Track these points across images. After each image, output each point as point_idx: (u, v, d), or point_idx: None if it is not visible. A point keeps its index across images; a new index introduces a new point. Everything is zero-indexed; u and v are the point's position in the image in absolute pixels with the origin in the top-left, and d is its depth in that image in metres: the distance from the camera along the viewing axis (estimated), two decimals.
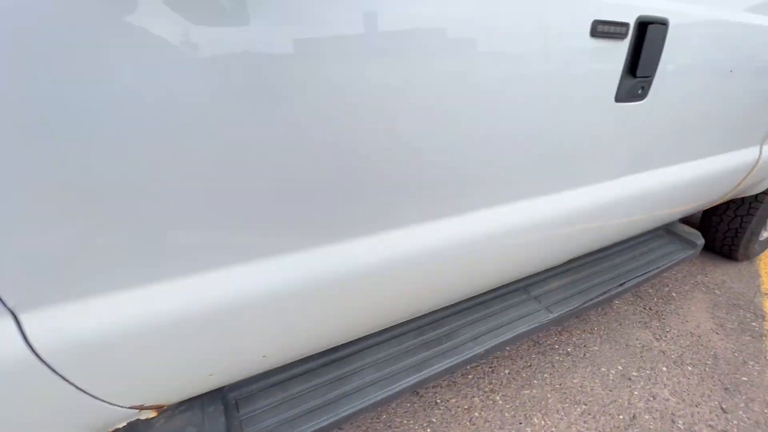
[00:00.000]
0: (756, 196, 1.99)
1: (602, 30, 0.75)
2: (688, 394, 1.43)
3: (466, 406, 1.34)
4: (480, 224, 0.82)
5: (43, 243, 0.46)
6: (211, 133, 0.50)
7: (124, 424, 0.70)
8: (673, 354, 1.60)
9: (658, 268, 1.42)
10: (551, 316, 1.14)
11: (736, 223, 2.10)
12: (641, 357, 1.59)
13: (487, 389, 1.41)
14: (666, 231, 1.65)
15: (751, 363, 1.57)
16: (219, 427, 0.74)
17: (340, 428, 1.23)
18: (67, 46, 0.40)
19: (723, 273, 2.21)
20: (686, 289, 2.04)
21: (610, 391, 1.43)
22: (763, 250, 2.32)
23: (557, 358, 1.57)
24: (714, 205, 1.76)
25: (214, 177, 0.53)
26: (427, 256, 0.77)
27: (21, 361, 0.49)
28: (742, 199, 2.02)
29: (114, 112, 0.44)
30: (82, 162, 0.45)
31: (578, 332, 1.71)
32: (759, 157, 1.50)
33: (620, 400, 1.39)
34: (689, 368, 1.54)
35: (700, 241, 1.56)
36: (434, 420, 1.29)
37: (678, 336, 1.70)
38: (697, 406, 1.39)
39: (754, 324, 1.80)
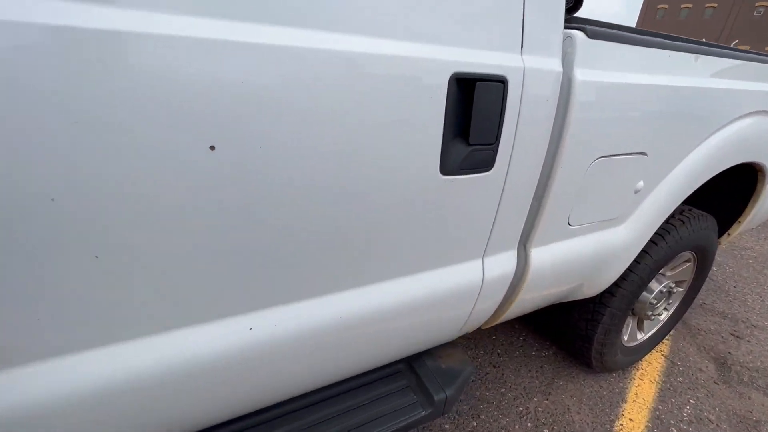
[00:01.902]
0: (600, 297, 1.45)
1: None
2: None
3: None
4: None
5: None
6: None
7: None
8: None
9: None
10: None
11: (581, 329, 1.55)
12: None
13: None
14: (408, 368, 1.07)
15: None
16: None
17: None
18: None
19: (574, 391, 1.63)
20: (501, 426, 1.45)
21: None
22: (632, 362, 1.74)
23: None
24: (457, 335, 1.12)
25: None
26: None
27: None
28: (586, 300, 1.47)
29: None
30: None
31: None
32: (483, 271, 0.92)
33: None
34: None
35: (441, 396, 0.98)
36: None
37: None
38: None
39: None
